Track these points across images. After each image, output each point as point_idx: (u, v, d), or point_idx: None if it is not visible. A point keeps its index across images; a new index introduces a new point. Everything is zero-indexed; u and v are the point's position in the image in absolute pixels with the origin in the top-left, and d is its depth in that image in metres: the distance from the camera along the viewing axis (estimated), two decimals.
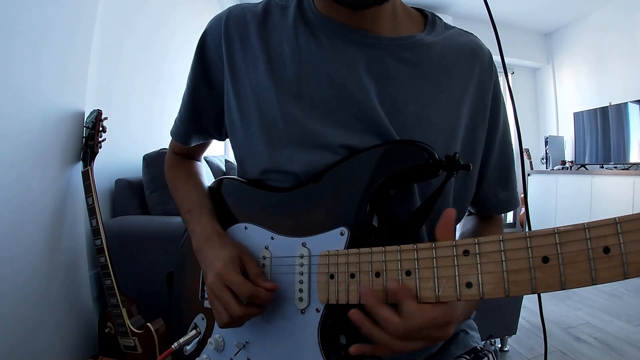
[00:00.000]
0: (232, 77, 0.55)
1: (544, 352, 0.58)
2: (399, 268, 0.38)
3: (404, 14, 0.55)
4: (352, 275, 0.41)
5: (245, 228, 0.53)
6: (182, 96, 0.63)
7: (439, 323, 0.36)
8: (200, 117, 0.62)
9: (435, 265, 0.36)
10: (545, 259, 0.31)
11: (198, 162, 0.72)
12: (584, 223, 0.30)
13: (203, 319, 0.57)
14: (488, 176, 0.60)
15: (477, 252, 0.34)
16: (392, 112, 0.49)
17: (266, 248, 0.50)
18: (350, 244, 0.43)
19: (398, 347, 0.37)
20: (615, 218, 0.28)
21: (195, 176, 0.66)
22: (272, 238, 0.50)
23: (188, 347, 0.57)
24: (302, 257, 0.46)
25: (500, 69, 0.60)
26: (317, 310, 0.44)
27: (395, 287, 0.37)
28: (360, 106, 0.49)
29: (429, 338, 0.37)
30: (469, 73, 0.55)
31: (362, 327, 0.38)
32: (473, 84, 0.55)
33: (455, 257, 0.35)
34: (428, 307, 0.36)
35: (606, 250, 0.29)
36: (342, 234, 0.44)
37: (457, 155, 0.42)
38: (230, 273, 0.46)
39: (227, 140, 0.64)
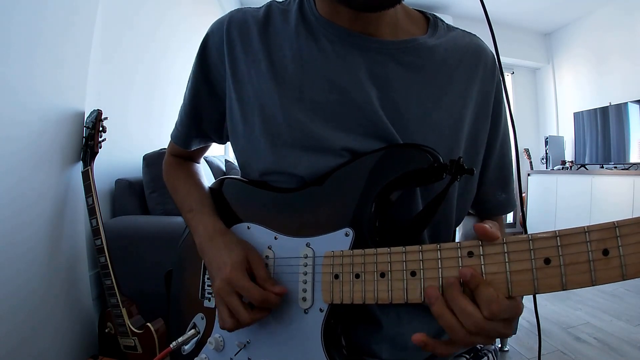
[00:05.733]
0: (235, 81, 0.54)
1: (537, 350, 0.59)
2: (404, 269, 0.38)
3: (405, 16, 0.55)
4: (357, 276, 0.41)
5: (248, 228, 0.53)
6: (182, 98, 0.62)
7: (512, 314, 0.34)
8: (201, 121, 0.61)
9: (440, 266, 0.37)
10: (547, 261, 0.32)
11: (197, 164, 0.72)
12: (584, 226, 0.31)
13: (202, 319, 0.57)
14: (487, 178, 0.60)
15: (481, 253, 0.35)
16: (394, 116, 0.49)
17: (269, 248, 0.50)
18: (354, 245, 0.44)
19: (467, 342, 0.35)
20: (614, 222, 0.30)
21: (195, 176, 0.66)
22: (275, 238, 0.50)
23: (186, 347, 0.57)
24: (306, 257, 0.46)
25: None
26: (321, 310, 0.44)
27: (470, 273, 0.34)
28: (361, 110, 0.49)
29: (495, 332, 0.35)
30: (472, 75, 0.55)
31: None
32: (476, 86, 0.55)
33: (459, 259, 0.36)
34: (502, 295, 0.33)
35: (605, 252, 0.30)
36: (346, 234, 0.44)
37: (462, 159, 0.42)
38: (240, 279, 0.45)
39: (227, 141, 0.64)
